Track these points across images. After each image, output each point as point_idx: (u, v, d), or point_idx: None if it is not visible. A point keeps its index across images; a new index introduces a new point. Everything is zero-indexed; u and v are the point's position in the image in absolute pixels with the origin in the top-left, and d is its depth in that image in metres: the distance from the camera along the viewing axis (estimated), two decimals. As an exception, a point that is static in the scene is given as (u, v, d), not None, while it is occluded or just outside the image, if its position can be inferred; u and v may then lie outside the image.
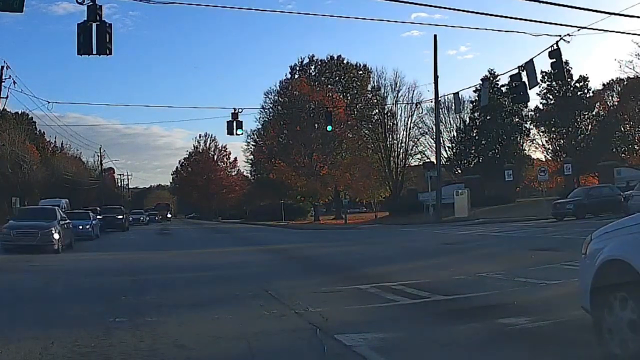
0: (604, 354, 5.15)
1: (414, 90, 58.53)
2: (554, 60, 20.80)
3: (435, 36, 33.08)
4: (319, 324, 7.00)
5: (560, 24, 22.11)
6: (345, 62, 70.30)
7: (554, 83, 53.53)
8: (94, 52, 13.92)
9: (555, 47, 20.65)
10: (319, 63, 70.66)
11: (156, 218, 75.60)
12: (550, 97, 55.32)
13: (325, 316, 7.51)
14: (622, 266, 4.93)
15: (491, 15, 18.53)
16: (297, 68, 71.12)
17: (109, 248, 23.79)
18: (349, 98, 65.95)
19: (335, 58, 70.44)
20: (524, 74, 22.75)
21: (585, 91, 55.29)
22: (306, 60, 71.33)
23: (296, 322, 7.31)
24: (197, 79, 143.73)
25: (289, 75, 69.55)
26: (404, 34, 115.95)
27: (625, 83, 53.65)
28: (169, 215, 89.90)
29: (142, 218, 60.42)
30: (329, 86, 66.48)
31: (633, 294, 4.83)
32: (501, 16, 18.31)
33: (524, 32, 31.45)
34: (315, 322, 7.12)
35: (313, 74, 69.45)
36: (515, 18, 19.22)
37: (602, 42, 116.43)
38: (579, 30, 21.07)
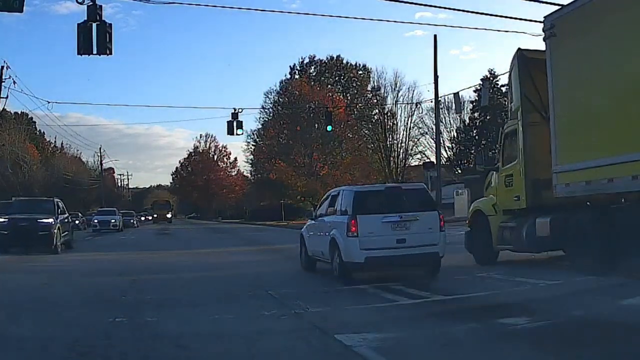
0: None
1: (414, 90, 58.44)
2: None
3: (435, 36, 32.89)
4: (319, 324, 7.00)
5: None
6: (345, 62, 70.33)
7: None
8: (94, 52, 13.91)
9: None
10: (319, 63, 70.68)
11: (132, 221, 53.97)
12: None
13: (325, 316, 7.52)
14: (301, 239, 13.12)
15: (491, 15, 18.54)
16: (297, 68, 71.14)
17: (108, 248, 23.79)
18: (348, 98, 65.94)
19: (335, 58, 70.46)
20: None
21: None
22: (306, 61, 71.39)
23: (296, 322, 7.32)
24: (199, 79, 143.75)
25: (288, 76, 69.59)
26: (407, 34, 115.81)
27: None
28: (169, 215, 79.18)
29: (113, 221, 42.25)
30: (329, 86, 66.52)
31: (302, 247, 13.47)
32: (501, 16, 18.35)
33: (524, 32, 31.63)
34: (315, 322, 7.12)
35: (313, 74, 69.46)
36: (516, 18, 19.23)
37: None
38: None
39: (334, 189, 13.85)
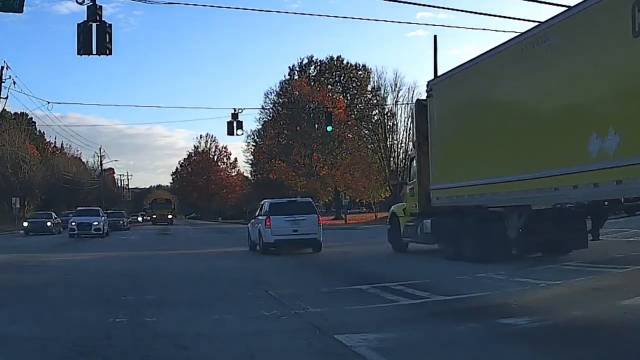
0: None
1: (414, 91, 58.44)
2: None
3: (435, 37, 32.78)
4: (319, 324, 6.99)
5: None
6: (345, 62, 70.24)
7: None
8: (94, 52, 13.91)
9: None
10: (319, 63, 70.57)
11: (121, 222, 46.22)
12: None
13: (325, 316, 7.51)
14: (247, 231, 21.62)
15: (492, 15, 18.54)
16: (297, 69, 71.02)
17: (107, 248, 23.78)
18: (348, 98, 65.90)
19: (335, 58, 70.37)
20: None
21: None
22: (305, 61, 71.26)
23: (296, 323, 7.30)
24: (200, 80, 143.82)
25: (288, 77, 69.45)
26: (409, 34, 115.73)
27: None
28: (170, 216, 70.48)
29: (96, 223, 33.01)
30: (329, 86, 66.44)
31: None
32: (502, 16, 18.33)
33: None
34: (315, 323, 7.11)
35: (313, 74, 69.35)
36: (516, 18, 19.20)
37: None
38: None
39: (267, 199, 21.15)
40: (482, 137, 13.33)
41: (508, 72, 12.49)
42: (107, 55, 13.93)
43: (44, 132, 73.53)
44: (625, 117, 9.39)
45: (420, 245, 16.75)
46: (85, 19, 13.88)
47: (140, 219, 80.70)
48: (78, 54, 13.95)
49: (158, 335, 6.72)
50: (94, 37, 13.95)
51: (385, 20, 29.84)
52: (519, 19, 18.57)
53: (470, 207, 14.00)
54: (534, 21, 17.56)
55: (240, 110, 30.60)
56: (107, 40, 13.94)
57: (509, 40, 12.71)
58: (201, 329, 6.99)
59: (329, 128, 37.49)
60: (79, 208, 39.56)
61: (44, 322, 7.75)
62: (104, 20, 13.92)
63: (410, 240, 17.10)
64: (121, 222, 46.34)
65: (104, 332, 6.87)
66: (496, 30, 32.34)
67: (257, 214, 20.26)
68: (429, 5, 19.20)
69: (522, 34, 12.35)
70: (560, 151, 10.77)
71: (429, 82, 16.11)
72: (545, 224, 12.60)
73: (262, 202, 20.46)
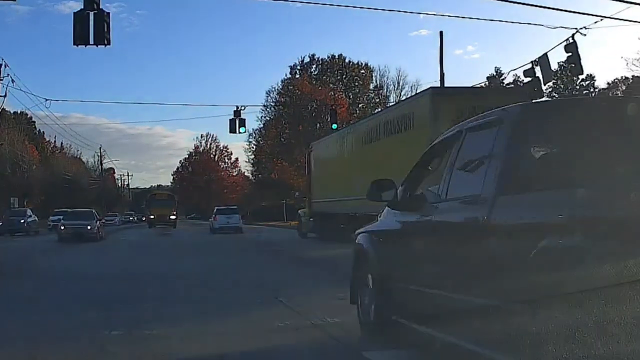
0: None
1: (416, 89, 57.86)
2: (570, 54, 20.05)
3: (441, 33, 32.11)
4: (341, 338, 6.22)
5: (578, 12, 21.07)
6: (347, 60, 69.47)
7: (559, 81, 52.80)
8: (91, 42, 13.13)
9: (571, 40, 19.93)
10: (320, 62, 69.78)
11: (89, 227, 29.86)
12: (556, 95, 54.59)
13: (347, 328, 6.68)
14: (209, 223, 48.92)
15: (505, 0, 17.46)
16: (298, 67, 70.19)
17: (103, 251, 23.05)
18: (350, 97, 65.19)
19: (337, 57, 69.59)
20: (537, 68, 21.90)
21: (592, 90, 54.54)
22: (307, 60, 70.46)
23: (315, 336, 6.50)
24: (200, 79, 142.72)
25: (289, 75, 68.62)
26: (412, 33, 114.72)
27: (630, 82, 52.66)
28: (172, 217, 59.88)
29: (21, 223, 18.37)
30: (331, 85, 65.69)
31: None
32: (513, 1, 17.36)
33: (541, 25, 30.52)
34: (337, 336, 6.33)
35: (315, 72, 68.56)
36: (524, 3, 18.17)
37: (610, 39, 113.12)
38: (595, 23, 20.31)
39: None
40: (328, 175, 25.18)
41: (337, 145, 24.51)
42: (105, 45, 13.14)
43: (43, 132, 73.00)
44: (357, 180, 18.58)
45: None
46: (82, 7, 13.11)
47: (116, 219, 65.71)
48: (74, 44, 13.21)
49: (159, 350, 5.97)
50: (91, 26, 13.17)
51: (391, 10, 28.93)
52: (530, 5, 17.55)
53: (323, 212, 24.89)
54: (546, 7, 16.97)
55: (242, 108, 29.97)
56: (105, 29, 13.17)
57: (343, 128, 28.60)
58: (206, 344, 6.22)
59: (334, 126, 36.60)
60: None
61: (30, 335, 6.93)
62: (101, 9, 13.14)
63: (306, 231, 27.91)
64: (88, 227, 29.79)
65: (98, 346, 6.07)
66: (505, 22, 31.48)
67: (213, 213, 40.86)
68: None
69: (344, 128, 27.63)
70: (346, 188, 21.18)
71: (311, 144, 30.56)
72: (356, 223, 20.59)
73: (214, 208, 41.84)
